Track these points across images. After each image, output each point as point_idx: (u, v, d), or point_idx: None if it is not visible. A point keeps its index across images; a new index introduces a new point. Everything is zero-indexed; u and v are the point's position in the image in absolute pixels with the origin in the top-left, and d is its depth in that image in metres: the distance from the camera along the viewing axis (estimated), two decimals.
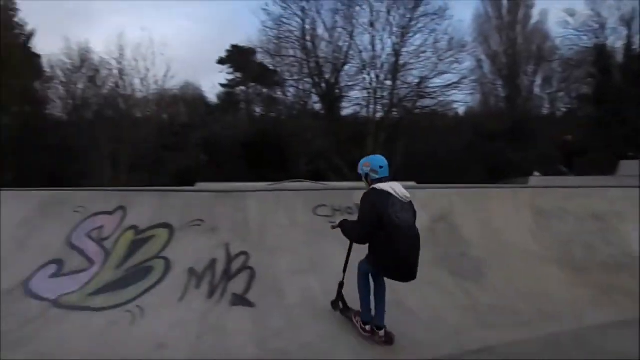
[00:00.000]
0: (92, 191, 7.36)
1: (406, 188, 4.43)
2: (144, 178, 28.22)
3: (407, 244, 4.21)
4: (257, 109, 41.35)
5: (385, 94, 31.04)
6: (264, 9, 31.31)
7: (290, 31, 31.98)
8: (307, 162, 34.13)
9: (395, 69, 29.80)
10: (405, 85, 30.48)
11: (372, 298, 4.51)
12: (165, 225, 5.80)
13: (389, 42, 29.72)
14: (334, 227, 4.64)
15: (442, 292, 5.62)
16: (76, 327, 4.71)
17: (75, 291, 5.42)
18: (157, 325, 4.41)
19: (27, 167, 27.20)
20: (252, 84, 41.19)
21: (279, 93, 38.91)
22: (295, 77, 34.37)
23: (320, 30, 31.47)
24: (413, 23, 28.67)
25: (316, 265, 5.27)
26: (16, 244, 6.68)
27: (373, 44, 29.95)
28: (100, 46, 57.86)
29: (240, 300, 4.75)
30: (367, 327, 4.51)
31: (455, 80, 29.08)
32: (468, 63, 29.25)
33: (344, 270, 4.78)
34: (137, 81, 33.36)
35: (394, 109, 31.24)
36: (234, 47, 40.96)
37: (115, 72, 33.26)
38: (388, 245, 4.18)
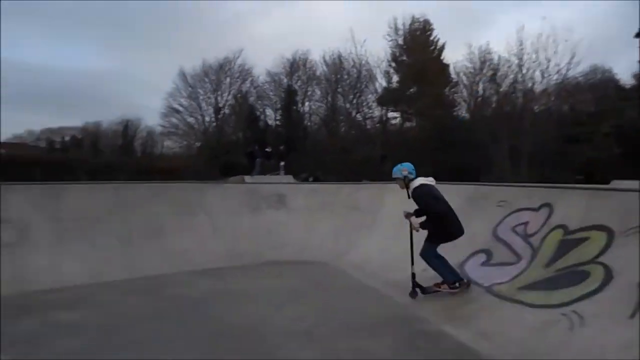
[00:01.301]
0: (513, 187, 7.53)
1: None
2: (543, 172, 27.21)
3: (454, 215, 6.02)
4: None
5: None
6: None
7: None
8: None
9: None
10: None
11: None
12: (602, 228, 5.20)
13: None
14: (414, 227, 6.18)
15: None
16: (510, 318, 4.90)
17: (505, 282, 5.67)
18: (604, 340, 3.98)
19: (439, 162, 31.34)
20: None
21: None
22: None
23: None
24: None
25: None
26: None
27: None
28: (500, 45, 59.79)
29: None
30: (457, 285, 5.94)
31: None
32: None
33: (412, 263, 6.27)
34: (537, 74, 32.38)
35: None
36: None
37: (514, 67, 33.40)
38: (444, 220, 5.88)
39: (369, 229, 9.58)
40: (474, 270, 6.34)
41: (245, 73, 42.97)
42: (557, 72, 31.93)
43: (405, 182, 6.22)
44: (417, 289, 6.26)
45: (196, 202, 10.05)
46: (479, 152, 31.60)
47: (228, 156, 35.92)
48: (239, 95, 43.25)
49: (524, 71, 32.95)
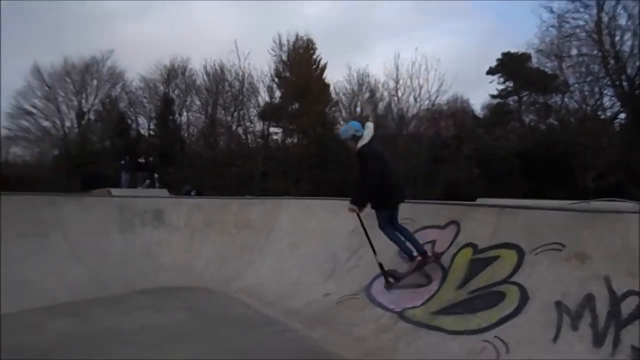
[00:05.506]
0: (417, 204, 7.35)
1: None
2: (417, 189, 29.10)
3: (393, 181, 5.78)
4: (533, 118, 37.56)
5: None
6: (547, 7, 28.33)
7: (580, 26, 27.84)
8: (596, 176, 28.77)
9: None
10: None
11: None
12: (511, 246, 5.11)
13: None
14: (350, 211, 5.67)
15: None
16: (431, 347, 4.47)
17: (417, 307, 5.29)
18: None
19: (320, 180, 31.71)
20: (526, 92, 37.72)
21: (560, 98, 34.43)
22: (584, 79, 29.66)
23: (623, 20, 26.22)
24: None
25: None
26: (349, 251, 7.21)
27: None
28: (377, 69, 64.32)
29: None
30: (418, 258, 5.61)
31: None
32: None
33: (374, 252, 5.78)
34: (411, 98, 34.92)
35: None
36: (506, 54, 38.48)
37: (391, 91, 35.63)
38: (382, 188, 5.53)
39: (262, 249, 8.71)
40: (381, 293, 5.88)
41: (115, 76, 39.24)
42: (428, 98, 34.85)
43: (355, 141, 5.70)
44: (390, 278, 5.71)
45: (49, 218, 8.18)
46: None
47: (93, 166, 31.98)
48: (108, 100, 39.19)
49: (400, 95, 35.40)
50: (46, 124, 37.19)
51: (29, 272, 7.09)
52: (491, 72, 39.19)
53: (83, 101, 38.07)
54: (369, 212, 5.81)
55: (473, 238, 5.63)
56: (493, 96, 39.40)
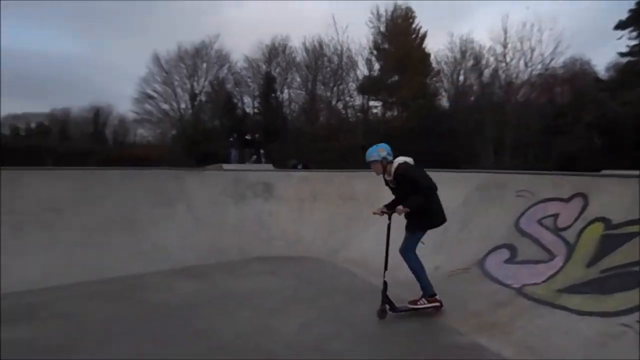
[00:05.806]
0: (535, 175, 6.82)
1: None
2: (527, 161, 27.06)
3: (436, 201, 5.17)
4: None
5: None
6: None
7: None
8: None
9: None
10: None
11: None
12: None
13: None
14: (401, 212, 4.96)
15: None
16: (556, 327, 4.15)
17: (539, 283, 4.94)
18: None
19: (421, 152, 30.80)
20: None
21: None
22: None
23: None
24: None
25: None
26: (459, 223, 6.93)
27: None
28: (481, 35, 59.90)
29: None
30: (436, 297, 5.08)
31: None
32: None
33: (386, 267, 5.09)
34: (521, 63, 32.13)
35: None
36: None
37: (497, 57, 33.09)
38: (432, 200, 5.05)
39: (366, 221, 8.72)
40: (497, 268, 5.60)
41: (222, 59, 41.53)
42: (541, 61, 31.79)
43: (384, 164, 5.18)
44: (387, 306, 5.03)
45: (174, 190, 9.03)
46: (461, 142, 31.23)
47: (205, 144, 34.54)
48: (216, 81, 41.72)
49: (508, 60, 32.75)
50: (165, 106, 40.81)
51: (161, 238, 7.94)
52: (621, 26, 34.28)
53: (195, 84, 40.99)
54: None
55: (604, 212, 5.07)
56: (622, 54, 34.53)
